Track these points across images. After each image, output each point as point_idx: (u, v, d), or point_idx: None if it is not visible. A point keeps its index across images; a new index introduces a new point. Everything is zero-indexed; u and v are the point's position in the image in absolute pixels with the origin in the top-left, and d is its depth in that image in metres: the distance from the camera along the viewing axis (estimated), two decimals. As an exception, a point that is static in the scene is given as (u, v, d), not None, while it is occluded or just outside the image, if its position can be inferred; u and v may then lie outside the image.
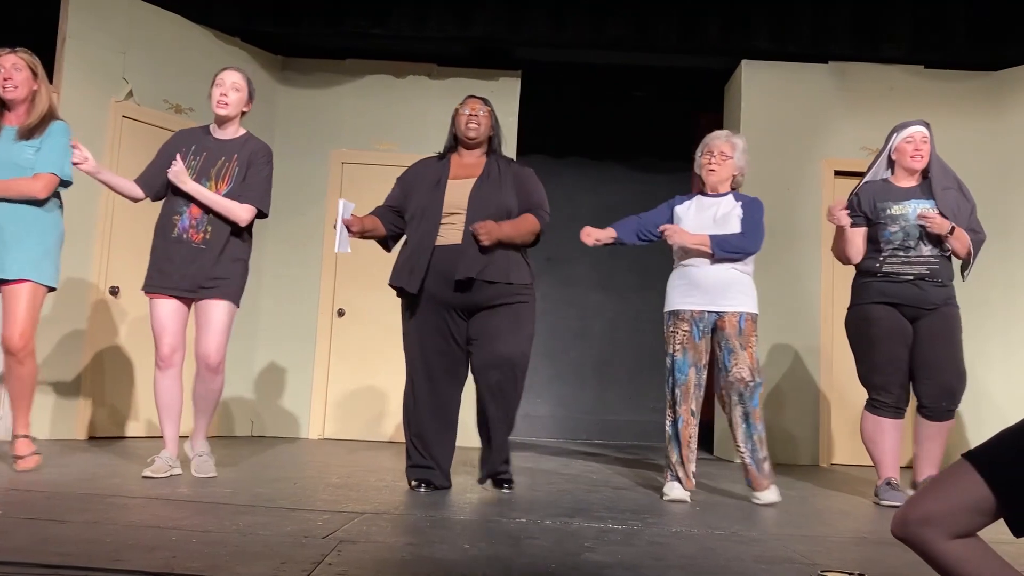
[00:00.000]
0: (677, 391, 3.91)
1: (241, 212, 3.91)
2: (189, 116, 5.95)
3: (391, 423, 6.41)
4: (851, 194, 4.37)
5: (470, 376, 3.91)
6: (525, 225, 3.87)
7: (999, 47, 6.18)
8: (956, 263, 4.21)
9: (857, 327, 4.24)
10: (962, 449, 1.72)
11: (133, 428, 5.73)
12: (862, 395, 4.27)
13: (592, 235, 4.05)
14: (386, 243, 4.09)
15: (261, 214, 4.00)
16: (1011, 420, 1.70)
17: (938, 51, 6.24)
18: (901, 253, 4.12)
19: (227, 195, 3.89)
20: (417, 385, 3.88)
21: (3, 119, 3.89)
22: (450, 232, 3.81)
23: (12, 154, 3.81)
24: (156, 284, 3.89)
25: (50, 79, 5.02)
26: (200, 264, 3.86)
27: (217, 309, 3.89)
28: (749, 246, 3.94)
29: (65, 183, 3.90)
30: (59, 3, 5.44)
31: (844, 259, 4.34)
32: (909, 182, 4.24)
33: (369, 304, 6.41)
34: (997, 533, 1.65)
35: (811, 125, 6.47)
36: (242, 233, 3.98)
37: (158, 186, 3.98)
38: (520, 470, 4.88)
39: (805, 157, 6.43)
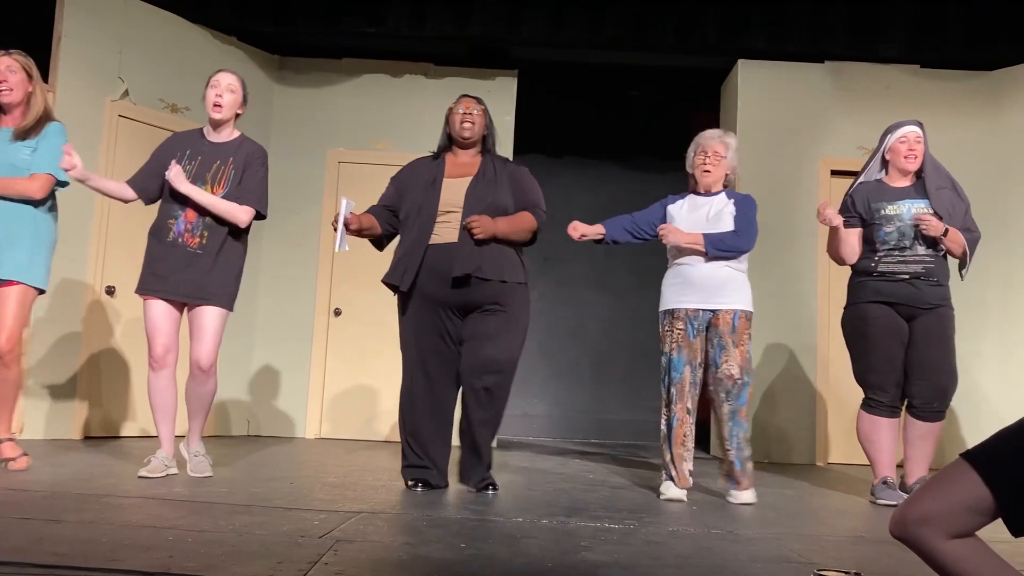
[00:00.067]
0: (673, 390, 3.91)
1: (240, 214, 3.90)
2: (185, 115, 5.94)
3: (387, 422, 6.40)
4: (845, 195, 4.38)
5: None
6: (521, 223, 3.87)
7: (995, 47, 6.20)
8: (952, 262, 4.21)
9: (853, 326, 4.25)
10: (958, 449, 1.72)
11: (128, 428, 5.72)
12: (858, 394, 4.28)
13: (579, 229, 4.04)
14: (380, 242, 4.09)
15: (260, 215, 3.99)
16: (1007, 420, 1.70)
17: (934, 51, 6.26)
18: (896, 253, 4.13)
19: (223, 198, 3.88)
20: (414, 384, 3.88)
21: None
22: (445, 230, 3.81)
23: (8, 155, 3.80)
24: (151, 287, 3.88)
25: (45, 78, 5.02)
26: (196, 268, 3.85)
27: (210, 315, 3.89)
28: (743, 244, 3.94)
29: (62, 184, 3.89)
30: (55, 2, 5.43)
31: (839, 259, 4.34)
32: (903, 182, 4.24)
33: (366, 304, 6.40)
34: (995, 533, 1.65)
35: (808, 124, 6.48)
36: (239, 237, 3.97)
37: (151, 189, 3.97)
38: (517, 469, 4.89)
39: (802, 156, 6.44)
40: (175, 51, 6.01)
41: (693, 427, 3.95)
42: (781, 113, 6.48)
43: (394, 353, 4.03)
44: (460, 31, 6.23)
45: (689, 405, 3.92)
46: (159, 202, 3.98)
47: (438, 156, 4.04)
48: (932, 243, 4.10)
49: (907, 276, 4.10)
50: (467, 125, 3.95)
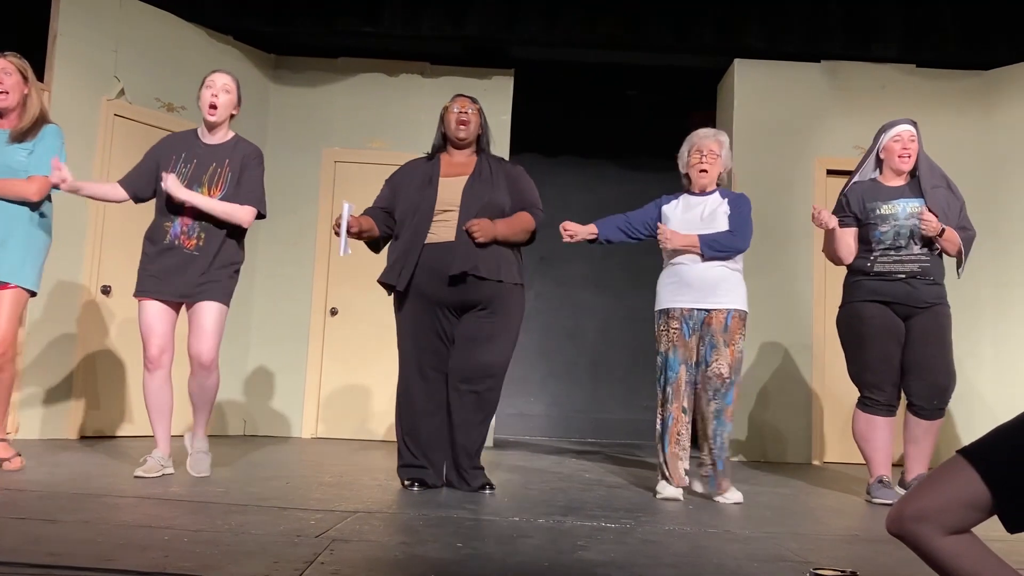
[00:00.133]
0: (668, 389, 3.92)
1: (242, 214, 3.90)
2: (181, 115, 5.93)
3: (384, 422, 6.40)
4: (840, 194, 4.39)
5: None
6: (520, 223, 3.87)
7: (990, 46, 6.22)
8: (948, 261, 4.22)
9: (849, 325, 4.25)
10: (953, 449, 1.72)
11: (124, 428, 5.71)
12: (854, 393, 4.28)
13: (570, 230, 4.04)
14: (377, 244, 4.08)
15: (260, 215, 3.99)
16: (1001, 418, 1.70)
17: (930, 50, 6.27)
18: (892, 252, 4.13)
19: (221, 200, 3.88)
20: (411, 384, 3.88)
21: None
22: (442, 229, 3.81)
23: (5, 157, 3.80)
24: (148, 288, 3.87)
25: (41, 77, 5.02)
26: (193, 270, 3.85)
27: (209, 311, 3.88)
28: (739, 244, 3.94)
29: (58, 186, 3.89)
30: (50, 1, 5.42)
31: (835, 259, 4.34)
32: (897, 181, 4.25)
33: (362, 303, 6.40)
34: (990, 530, 1.65)
35: (804, 124, 6.48)
36: (235, 237, 3.97)
37: (142, 189, 3.97)
38: (513, 469, 4.89)
39: (798, 156, 6.45)
40: (171, 50, 6.00)
41: (689, 426, 3.95)
42: (777, 112, 6.49)
43: (390, 353, 4.02)
44: (456, 30, 6.23)
45: (685, 404, 3.92)
46: (155, 206, 3.98)
47: (432, 156, 4.04)
48: (928, 242, 4.10)
49: (904, 275, 4.11)
50: (462, 124, 3.95)
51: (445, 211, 3.83)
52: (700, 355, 3.92)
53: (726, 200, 4.02)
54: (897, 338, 4.12)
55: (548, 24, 6.24)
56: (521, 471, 4.78)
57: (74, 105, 5.38)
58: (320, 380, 6.55)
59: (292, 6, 6.22)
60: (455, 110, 3.99)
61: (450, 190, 3.86)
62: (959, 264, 4.22)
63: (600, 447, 6.70)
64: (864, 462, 4.24)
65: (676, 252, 3.98)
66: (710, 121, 6.61)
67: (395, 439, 4.00)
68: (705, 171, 4.04)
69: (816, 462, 6.14)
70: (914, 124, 4.25)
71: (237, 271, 4.02)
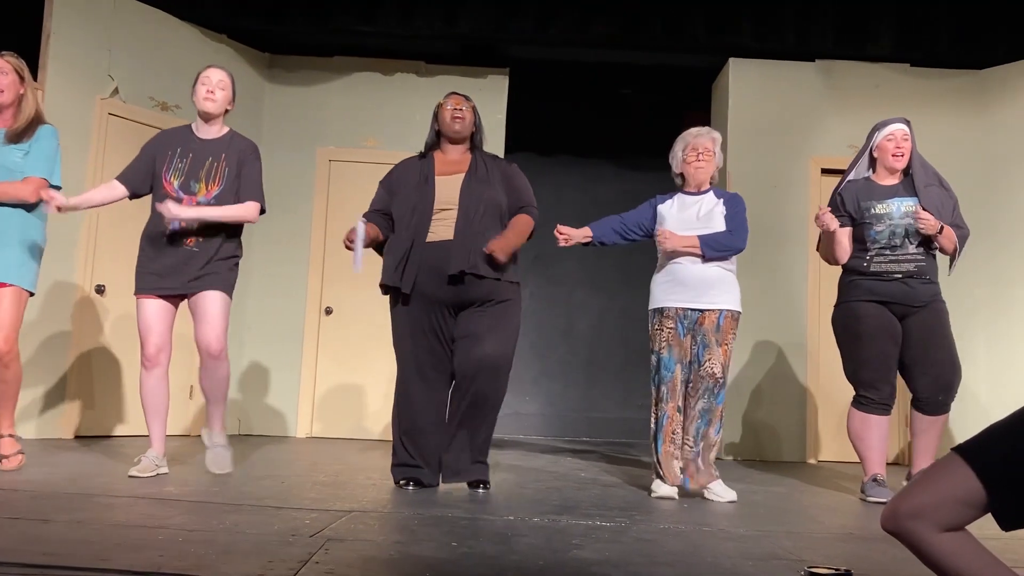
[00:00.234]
0: (663, 388, 3.92)
1: (247, 212, 3.92)
2: (175, 114, 5.92)
3: (379, 421, 6.39)
4: (834, 193, 4.39)
5: None
6: (525, 228, 3.90)
7: (983, 46, 6.24)
8: (941, 259, 4.23)
9: (846, 324, 4.25)
10: (946, 447, 1.73)
11: (120, 427, 5.70)
12: (848, 392, 4.29)
13: (564, 233, 4.04)
14: (381, 248, 4.07)
15: (262, 210, 4.00)
16: (995, 417, 1.71)
17: (924, 50, 6.30)
18: (888, 252, 4.14)
19: (219, 195, 3.88)
20: (409, 383, 3.87)
21: None
22: (441, 228, 3.81)
23: (1, 158, 3.79)
24: (149, 285, 3.87)
25: (34, 76, 4.99)
26: (193, 264, 3.86)
27: (212, 299, 3.88)
28: (737, 243, 3.95)
29: (55, 187, 3.88)
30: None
31: (832, 260, 4.35)
32: (891, 180, 4.26)
33: (357, 302, 6.39)
34: (985, 528, 1.66)
35: (798, 123, 6.50)
36: (234, 233, 3.97)
37: (139, 185, 3.97)
38: (508, 468, 4.89)
39: (792, 155, 6.46)
40: (165, 49, 5.99)
41: (682, 425, 3.96)
42: (772, 112, 6.50)
43: (385, 352, 4.02)
44: (451, 29, 6.23)
45: (679, 403, 3.92)
46: (151, 206, 3.97)
47: (425, 155, 4.04)
48: (925, 241, 4.11)
49: (900, 275, 4.11)
50: (457, 119, 3.96)
51: (443, 210, 3.82)
52: (692, 354, 3.93)
53: (721, 200, 4.03)
54: (894, 337, 4.13)
55: (543, 23, 6.24)
56: (516, 470, 4.78)
57: (68, 104, 5.36)
58: (315, 379, 6.55)
59: (287, 5, 6.21)
60: (449, 106, 3.99)
61: (447, 188, 3.86)
62: (951, 262, 4.23)
63: (594, 446, 6.70)
64: (859, 460, 4.25)
65: (674, 252, 3.98)
66: (705, 120, 6.61)
67: (390, 438, 3.99)
68: (702, 168, 4.05)
69: (811, 460, 6.15)
70: (907, 123, 4.26)
71: (237, 264, 4.02)
